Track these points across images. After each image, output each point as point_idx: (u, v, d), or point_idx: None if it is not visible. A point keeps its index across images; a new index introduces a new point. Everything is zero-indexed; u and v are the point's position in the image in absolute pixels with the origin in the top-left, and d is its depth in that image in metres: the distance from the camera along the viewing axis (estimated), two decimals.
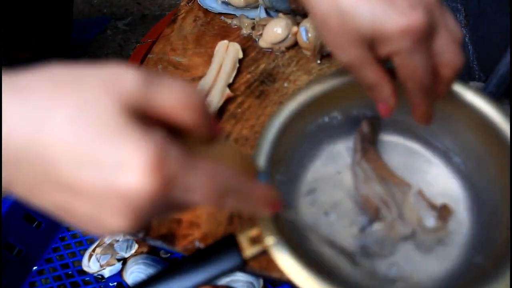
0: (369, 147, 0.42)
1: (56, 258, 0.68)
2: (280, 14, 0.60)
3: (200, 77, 0.58)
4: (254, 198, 0.26)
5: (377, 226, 0.38)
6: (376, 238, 0.38)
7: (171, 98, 0.22)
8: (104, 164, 0.20)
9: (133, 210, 0.21)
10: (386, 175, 0.41)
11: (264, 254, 0.32)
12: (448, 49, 0.31)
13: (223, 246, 0.32)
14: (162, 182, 0.20)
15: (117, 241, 0.62)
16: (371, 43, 0.31)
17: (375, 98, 0.34)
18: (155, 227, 0.46)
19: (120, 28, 1.10)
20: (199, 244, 0.44)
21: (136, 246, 0.60)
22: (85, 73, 0.21)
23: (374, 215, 0.39)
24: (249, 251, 0.32)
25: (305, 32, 0.57)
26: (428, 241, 0.38)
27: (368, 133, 0.43)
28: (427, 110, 0.34)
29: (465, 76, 0.69)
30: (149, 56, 0.65)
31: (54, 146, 0.20)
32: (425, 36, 0.29)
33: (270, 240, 0.31)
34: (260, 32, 0.61)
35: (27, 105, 0.20)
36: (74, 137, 0.20)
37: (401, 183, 0.41)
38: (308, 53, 0.59)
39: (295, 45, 0.60)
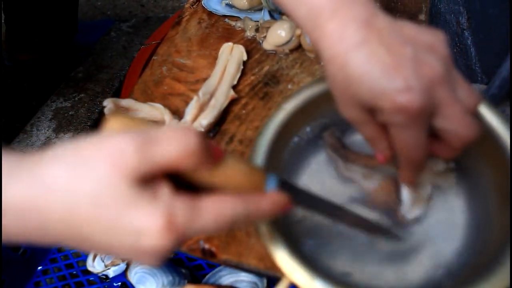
0: (343, 151, 0.43)
1: (60, 258, 0.68)
2: (284, 17, 0.61)
3: (205, 79, 0.59)
4: (263, 210, 0.28)
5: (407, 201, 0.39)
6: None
7: (170, 153, 0.25)
8: (126, 233, 0.25)
9: (159, 257, 0.26)
10: (375, 163, 0.41)
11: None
12: (456, 122, 0.31)
13: None
14: (176, 237, 0.25)
15: None
16: (370, 109, 0.32)
17: (373, 148, 0.36)
18: None
19: (124, 30, 1.11)
20: (204, 245, 0.44)
21: None
22: (91, 155, 0.25)
23: (393, 200, 0.39)
24: None
25: (302, 28, 0.57)
26: (444, 182, 0.40)
27: (335, 142, 0.43)
28: (411, 176, 0.36)
29: (467, 78, 0.70)
30: (154, 58, 0.65)
31: (87, 225, 0.25)
32: (420, 116, 0.30)
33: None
34: (264, 35, 0.62)
35: (55, 191, 0.24)
36: (99, 215, 0.24)
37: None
38: (311, 55, 0.59)
39: (299, 47, 0.61)
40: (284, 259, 0.33)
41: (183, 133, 0.25)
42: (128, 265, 0.60)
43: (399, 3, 0.66)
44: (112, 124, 0.27)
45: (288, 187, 0.31)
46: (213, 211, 0.26)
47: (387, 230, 0.38)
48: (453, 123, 0.31)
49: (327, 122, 0.44)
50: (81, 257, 0.68)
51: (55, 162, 0.25)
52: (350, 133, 0.45)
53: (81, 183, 0.24)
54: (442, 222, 0.40)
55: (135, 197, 0.24)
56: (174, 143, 0.25)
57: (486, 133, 0.37)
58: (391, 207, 0.40)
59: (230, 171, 0.28)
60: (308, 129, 0.44)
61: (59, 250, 0.69)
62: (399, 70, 0.29)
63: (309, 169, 0.44)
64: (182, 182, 0.27)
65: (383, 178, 0.40)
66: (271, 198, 0.29)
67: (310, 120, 0.43)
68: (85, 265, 0.66)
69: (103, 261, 0.61)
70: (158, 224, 0.24)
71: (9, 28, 1.05)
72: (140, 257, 0.26)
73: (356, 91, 0.31)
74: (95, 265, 0.62)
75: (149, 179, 0.25)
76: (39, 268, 0.67)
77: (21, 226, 0.25)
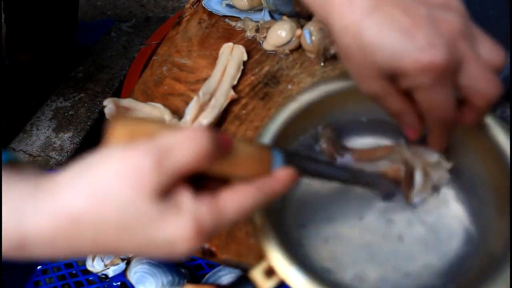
0: (340, 144, 0.43)
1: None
2: (284, 17, 0.61)
3: (205, 79, 0.59)
4: (277, 191, 0.29)
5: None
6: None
7: (186, 159, 0.25)
8: (159, 246, 0.26)
9: (189, 254, 0.27)
10: (377, 154, 0.41)
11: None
12: (478, 79, 0.30)
13: None
14: (204, 238, 0.26)
15: None
16: (392, 76, 0.31)
17: (401, 124, 0.35)
18: None
19: (124, 30, 1.11)
20: (203, 244, 0.45)
21: None
22: (108, 179, 0.24)
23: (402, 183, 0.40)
24: (266, 286, 0.32)
25: (309, 35, 0.58)
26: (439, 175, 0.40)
27: (331, 135, 0.43)
28: (443, 140, 0.35)
29: None
30: (154, 58, 0.66)
31: (118, 247, 0.26)
32: (446, 73, 0.29)
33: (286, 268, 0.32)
34: (264, 35, 0.62)
35: (81, 222, 0.25)
36: (128, 238, 0.25)
37: (392, 149, 0.41)
38: (311, 55, 0.60)
39: (299, 47, 0.61)
40: (268, 243, 0.34)
41: (195, 135, 0.25)
42: (127, 265, 0.60)
43: None
44: (118, 132, 0.26)
45: (293, 159, 0.31)
46: (235, 206, 0.27)
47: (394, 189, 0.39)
48: (476, 80, 0.30)
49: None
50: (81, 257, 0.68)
51: (74, 192, 0.25)
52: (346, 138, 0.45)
53: (104, 211, 0.24)
54: (441, 226, 0.40)
55: (161, 211, 0.25)
56: (188, 148, 0.25)
57: (483, 134, 0.38)
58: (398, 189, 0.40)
59: (240, 157, 0.28)
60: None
61: None
62: (418, 28, 0.28)
63: None
64: (195, 176, 0.27)
65: (389, 165, 0.40)
66: (281, 177, 0.30)
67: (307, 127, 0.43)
68: (84, 265, 0.66)
69: (102, 261, 0.61)
70: (188, 233, 0.25)
71: (9, 28, 1.05)
72: (174, 257, 0.27)
73: (375, 58, 0.30)
74: (94, 265, 0.62)
75: (170, 189, 0.26)
76: (39, 267, 0.67)
77: (50, 252, 0.26)
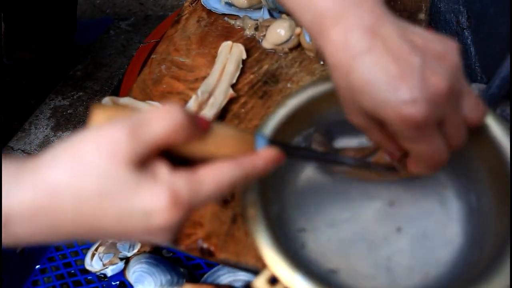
0: (332, 148, 0.44)
1: (58, 257, 0.68)
2: (283, 15, 0.60)
3: (204, 77, 0.59)
4: (258, 168, 0.30)
5: None
6: None
7: (160, 131, 0.26)
8: (137, 216, 0.26)
9: (171, 232, 0.27)
10: (365, 152, 0.42)
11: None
12: (453, 136, 0.31)
13: None
14: (183, 211, 0.26)
15: None
16: (376, 118, 0.31)
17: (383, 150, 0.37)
18: None
19: (123, 28, 1.11)
20: (202, 244, 0.44)
21: (139, 245, 0.60)
22: (87, 152, 0.26)
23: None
24: None
25: (308, 34, 0.57)
26: None
27: (323, 140, 0.43)
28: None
29: (467, 77, 0.70)
30: (153, 56, 0.65)
31: (98, 218, 0.26)
32: (427, 126, 0.29)
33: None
34: (264, 33, 0.61)
35: (61, 193, 0.26)
36: (107, 206, 0.26)
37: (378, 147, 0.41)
38: (311, 54, 0.59)
39: (298, 46, 0.61)
40: (268, 252, 0.34)
41: (168, 111, 0.26)
42: (126, 264, 0.60)
43: (399, 2, 0.66)
44: (97, 116, 0.27)
45: (276, 143, 0.32)
46: (213, 179, 0.28)
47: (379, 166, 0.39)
48: (450, 138, 0.31)
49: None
50: (79, 256, 0.68)
51: (54, 166, 0.26)
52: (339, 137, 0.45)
53: (83, 181, 0.25)
54: (439, 227, 0.41)
55: (137, 181, 0.26)
56: (162, 122, 0.26)
57: (483, 135, 0.37)
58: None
59: (220, 138, 0.29)
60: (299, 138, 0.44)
61: (57, 249, 0.69)
62: (405, 80, 0.28)
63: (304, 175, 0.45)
64: (176, 158, 0.28)
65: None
66: (263, 155, 0.30)
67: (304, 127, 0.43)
68: (83, 264, 0.66)
69: (101, 260, 0.61)
70: (164, 202, 0.26)
71: (8, 26, 1.04)
72: (153, 236, 0.27)
73: (360, 100, 0.31)
74: (93, 264, 0.61)
75: (146, 161, 0.26)
76: (37, 266, 0.67)
77: (32, 230, 0.26)
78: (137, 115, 0.26)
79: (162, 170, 0.27)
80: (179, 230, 0.28)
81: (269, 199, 0.39)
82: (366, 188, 0.43)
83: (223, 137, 0.29)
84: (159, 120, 0.26)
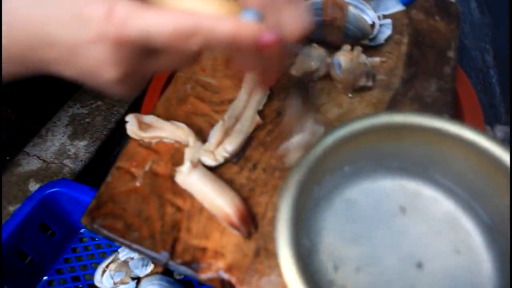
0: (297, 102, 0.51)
1: (67, 270, 0.67)
2: (315, 44, 0.60)
3: (229, 100, 0.58)
4: (222, 30, 0.28)
5: None
6: None
7: None
8: (80, 23, 0.28)
9: (113, 57, 0.28)
10: None
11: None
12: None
13: None
14: (116, 25, 0.28)
15: (132, 258, 0.61)
16: None
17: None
18: (179, 253, 0.45)
19: None
20: (223, 275, 0.43)
21: (151, 266, 0.59)
22: None
23: None
24: None
25: (338, 65, 0.57)
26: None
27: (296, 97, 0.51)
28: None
29: (491, 118, 0.69)
30: (178, 74, 0.65)
31: (51, 22, 0.28)
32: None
33: None
34: (293, 60, 0.61)
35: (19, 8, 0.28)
36: (59, 12, 0.28)
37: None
38: (339, 85, 0.59)
39: (327, 76, 0.60)
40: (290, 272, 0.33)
41: None
42: (137, 284, 0.59)
43: (428, 38, 0.66)
44: None
45: None
46: (156, 14, 0.28)
47: None
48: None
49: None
50: (88, 270, 0.67)
51: None
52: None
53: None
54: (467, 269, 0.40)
55: None
56: None
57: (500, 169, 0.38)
58: None
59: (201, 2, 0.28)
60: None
61: (66, 261, 0.68)
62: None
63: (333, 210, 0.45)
64: None
65: None
66: (236, 23, 0.28)
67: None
68: (91, 279, 0.65)
69: (112, 278, 0.60)
70: (101, 12, 0.28)
71: None
72: (93, 56, 0.28)
73: None
74: (103, 281, 0.60)
75: None
76: (45, 278, 0.66)
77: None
78: None
79: None
80: (124, 67, 0.29)
81: (299, 233, 0.39)
82: (391, 224, 0.44)
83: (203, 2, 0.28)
84: None
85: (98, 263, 0.66)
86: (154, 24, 0.28)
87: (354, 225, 0.45)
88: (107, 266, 0.62)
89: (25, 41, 0.29)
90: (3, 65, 0.30)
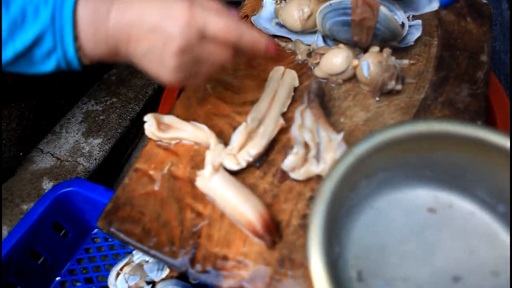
0: (314, 98, 0.52)
1: (80, 270, 0.65)
2: (341, 45, 0.58)
3: (252, 102, 0.56)
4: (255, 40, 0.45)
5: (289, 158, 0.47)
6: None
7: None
8: (167, 11, 0.39)
9: (181, 32, 0.39)
10: (320, 122, 0.49)
11: None
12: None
13: None
14: (192, 12, 0.39)
15: (147, 261, 0.59)
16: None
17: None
18: (199, 261, 0.43)
19: None
20: (247, 285, 0.41)
21: (167, 270, 0.58)
22: None
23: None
24: None
25: (366, 67, 0.55)
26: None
27: (315, 89, 0.53)
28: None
29: None
30: None
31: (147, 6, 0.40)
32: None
33: None
34: (317, 61, 0.59)
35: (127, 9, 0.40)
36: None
37: (329, 129, 0.48)
38: (366, 88, 0.56)
39: (352, 78, 0.58)
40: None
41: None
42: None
43: (459, 40, 0.63)
44: None
45: None
46: (219, 13, 0.41)
47: None
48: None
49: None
50: (101, 271, 0.65)
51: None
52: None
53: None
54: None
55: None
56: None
57: None
58: None
59: None
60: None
61: (79, 261, 0.67)
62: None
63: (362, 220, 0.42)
64: None
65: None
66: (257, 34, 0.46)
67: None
68: (104, 281, 0.63)
69: (126, 282, 0.58)
70: (185, 3, 0.39)
71: None
72: (164, 43, 0.39)
73: None
74: (117, 284, 0.59)
75: None
76: (57, 278, 0.65)
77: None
78: None
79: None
80: (185, 62, 0.41)
81: (331, 241, 0.37)
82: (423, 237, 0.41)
83: None
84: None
85: (112, 265, 0.64)
86: (214, 18, 0.40)
87: (383, 236, 0.43)
88: (121, 269, 0.60)
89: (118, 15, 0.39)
90: (90, 46, 0.40)
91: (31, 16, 0.37)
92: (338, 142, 0.47)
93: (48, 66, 0.41)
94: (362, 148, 0.38)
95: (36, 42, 0.38)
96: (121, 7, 0.40)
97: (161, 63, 0.40)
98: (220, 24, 0.40)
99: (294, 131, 0.50)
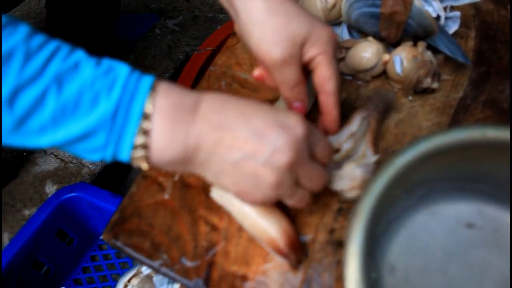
0: (374, 112, 0.46)
1: (85, 280, 0.61)
2: (370, 38, 0.52)
3: (271, 101, 0.51)
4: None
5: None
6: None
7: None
8: (277, 117, 0.35)
9: (289, 161, 0.33)
10: (368, 136, 0.45)
11: None
12: (310, 178, 0.36)
13: None
14: (304, 134, 0.34)
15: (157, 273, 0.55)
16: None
17: (294, 98, 0.42)
18: (215, 281, 0.39)
19: (169, 27, 1.04)
20: None
21: (178, 285, 0.53)
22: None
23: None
24: None
25: (399, 63, 0.49)
26: None
27: (388, 100, 0.48)
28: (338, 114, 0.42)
29: None
30: (211, 68, 0.58)
31: (252, 109, 0.35)
32: (280, 186, 0.33)
33: None
34: (343, 55, 0.53)
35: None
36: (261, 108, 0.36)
37: (369, 146, 0.44)
38: (397, 86, 0.51)
39: (381, 74, 0.53)
40: None
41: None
42: None
43: (500, 32, 0.57)
44: None
45: None
46: (319, 134, 0.36)
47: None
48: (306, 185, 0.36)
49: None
50: (108, 281, 0.61)
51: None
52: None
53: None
54: None
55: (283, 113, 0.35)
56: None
57: None
58: None
59: None
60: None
61: (84, 270, 0.63)
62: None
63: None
64: None
65: None
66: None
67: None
68: None
69: None
70: (297, 117, 0.34)
71: (49, 13, 0.99)
72: (278, 142, 0.32)
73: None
74: None
75: None
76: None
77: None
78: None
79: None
80: (292, 167, 0.33)
81: (369, 266, 0.32)
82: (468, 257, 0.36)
83: None
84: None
85: (119, 274, 0.60)
86: (323, 138, 0.37)
87: (425, 256, 0.38)
88: (129, 280, 0.56)
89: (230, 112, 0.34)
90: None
91: (87, 105, 0.30)
92: (369, 163, 0.42)
93: (86, 157, 0.33)
94: (405, 159, 0.33)
95: (84, 137, 0.30)
96: (213, 103, 0.33)
97: (256, 175, 0.32)
98: (328, 147, 0.36)
99: (342, 135, 0.44)
